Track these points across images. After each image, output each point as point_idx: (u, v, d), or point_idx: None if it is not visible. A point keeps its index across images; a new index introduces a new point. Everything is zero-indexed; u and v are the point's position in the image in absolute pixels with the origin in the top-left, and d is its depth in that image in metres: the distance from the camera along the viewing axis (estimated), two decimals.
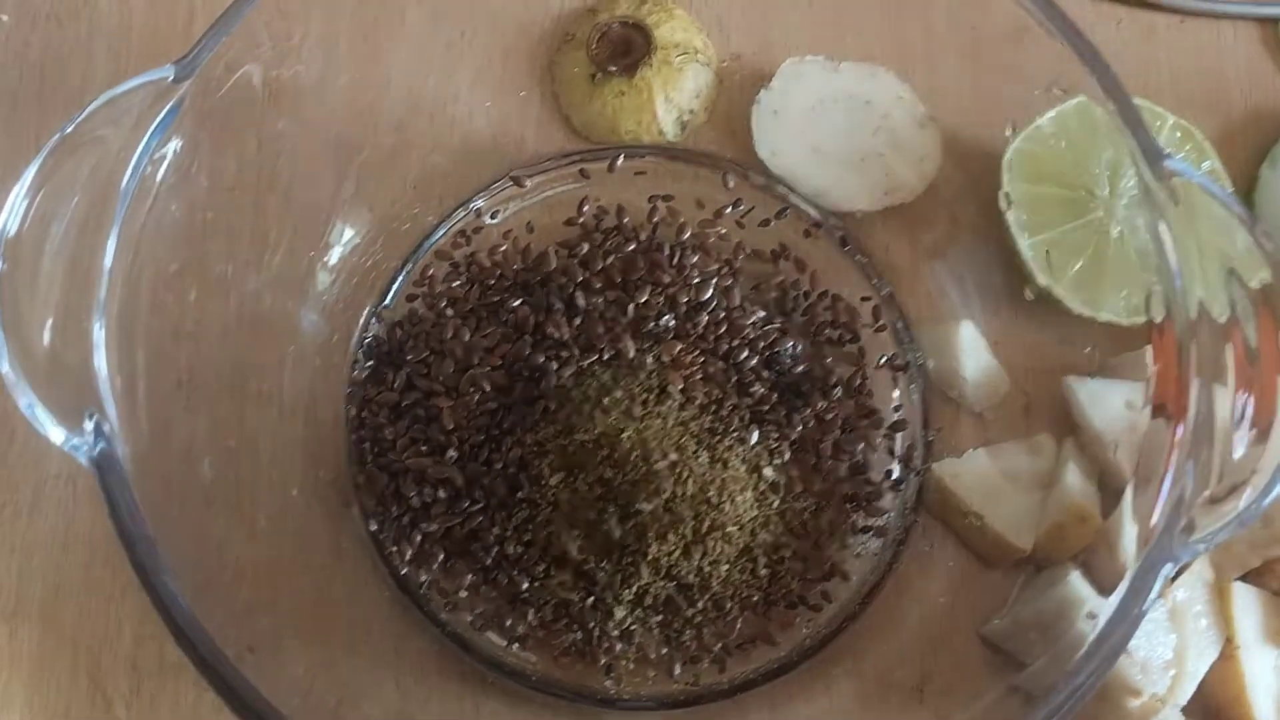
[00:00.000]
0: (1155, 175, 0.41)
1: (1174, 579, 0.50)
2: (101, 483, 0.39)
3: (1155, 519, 0.39)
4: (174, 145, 0.43)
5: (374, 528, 0.52)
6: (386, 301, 0.56)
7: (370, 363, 0.54)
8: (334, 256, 0.55)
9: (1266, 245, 0.40)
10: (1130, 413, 0.49)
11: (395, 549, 0.51)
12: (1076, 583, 0.47)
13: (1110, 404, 0.50)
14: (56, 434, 0.39)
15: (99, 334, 0.40)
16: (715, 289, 0.54)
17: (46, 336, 0.39)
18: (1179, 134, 0.57)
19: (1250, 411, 0.40)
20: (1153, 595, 0.38)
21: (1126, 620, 0.38)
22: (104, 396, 0.39)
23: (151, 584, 0.38)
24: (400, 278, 0.56)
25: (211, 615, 0.41)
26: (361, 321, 0.55)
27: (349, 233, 0.55)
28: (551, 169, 0.58)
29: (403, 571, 0.51)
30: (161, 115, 0.41)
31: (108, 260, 0.40)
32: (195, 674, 0.39)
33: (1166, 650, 0.48)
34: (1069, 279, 0.52)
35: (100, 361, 0.40)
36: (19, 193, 0.39)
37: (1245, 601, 0.50)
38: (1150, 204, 0.41)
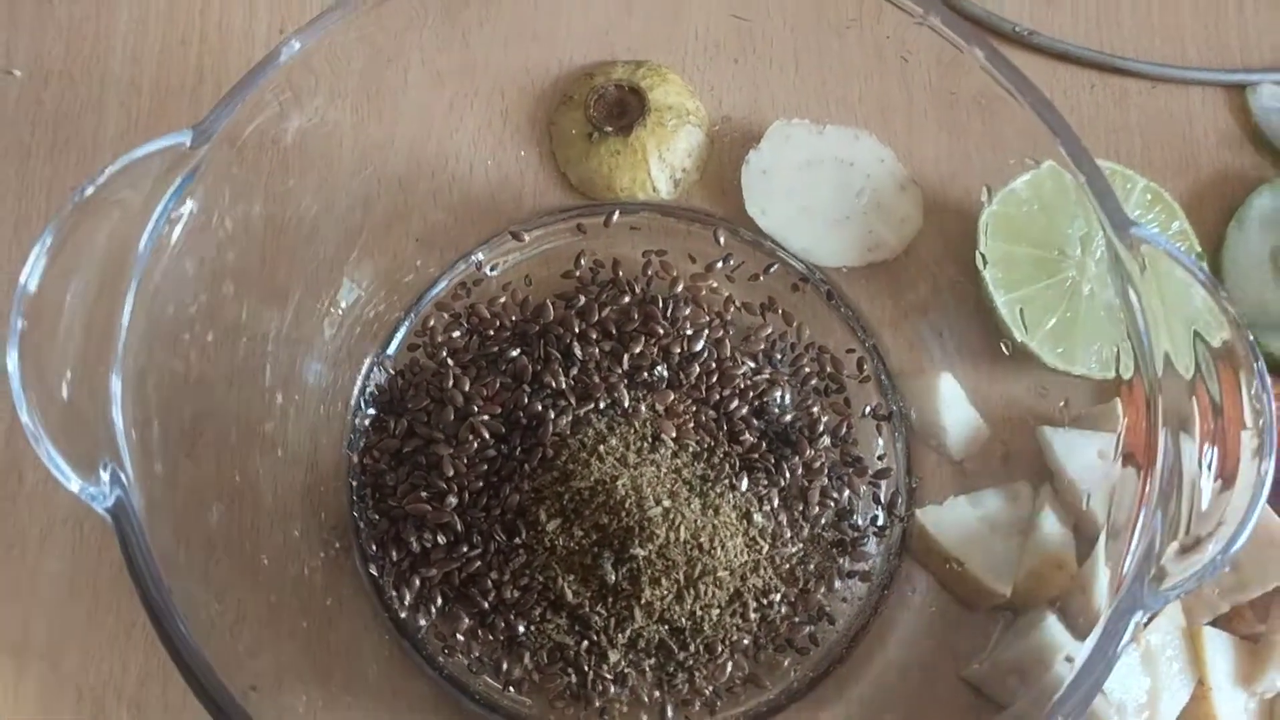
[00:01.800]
0: (1123, 242, 0.43)
1: (1147, 624, 0.52)
2: (117, 531, 0.40)
3: (1126, 568, 0.41)
4: (190, 206, 0.44)
5: (374, 572, 0.53)
6: (389, 351, 0.57)
7: (372, 410, 0.56)
8: (340, 308, 0.56)
9: (1228, 307, 0.42)
10: (1103, 462, 0.51)
11: (395, 593, 0.53)
12: (1054, 627, 0.48)
13: (1084, 454, 0.52)
14: (73, 483, 0.40)
15: (116, 387, 0.42)
16: (707, 340, 0.56)
17: (65, 390, 0.41)
18: (1149, 196, 0.59)
19: (1216, 463, 0.42)
20: (1125, 641, 0.40)
21: (1100, 665, 0.39)
22: (120, 447, 0.41)
23: (164, 629, 0.39)
24: (403, 328, 0.58)
25: (216, 656, 0.43)
26: (364, 370, 0.57)
27: (354, 285, 0.57)
28: (549, 224, 0.60)
29: (401, 615, 0.53)
30: (178, 180, 0.43)
31: (125, 317, 0.42)
32: (197, 715, 0.40)
33: (1140, 693, 0.50)
34: (1044, 334, 0.54)
35: (117, 414, 0.41)
36: (38, 252, 0.41)
37: (1216, 645, 0.52)
38: (1118, 269, 0.44)
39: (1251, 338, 0.41)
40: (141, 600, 0.40)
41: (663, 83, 0.61)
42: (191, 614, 0.43)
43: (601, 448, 0.51)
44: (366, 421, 0.56)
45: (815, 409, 0.56)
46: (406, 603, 0.52)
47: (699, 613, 0.50)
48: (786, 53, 0.60)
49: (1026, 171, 0.52)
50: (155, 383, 0.45)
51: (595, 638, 0.50)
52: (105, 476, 0.40)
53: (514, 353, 0.55)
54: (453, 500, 0.52)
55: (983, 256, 0.54)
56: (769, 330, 0.57)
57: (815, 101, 0.60)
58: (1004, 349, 0.56)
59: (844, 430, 0.56)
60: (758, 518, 0.52)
